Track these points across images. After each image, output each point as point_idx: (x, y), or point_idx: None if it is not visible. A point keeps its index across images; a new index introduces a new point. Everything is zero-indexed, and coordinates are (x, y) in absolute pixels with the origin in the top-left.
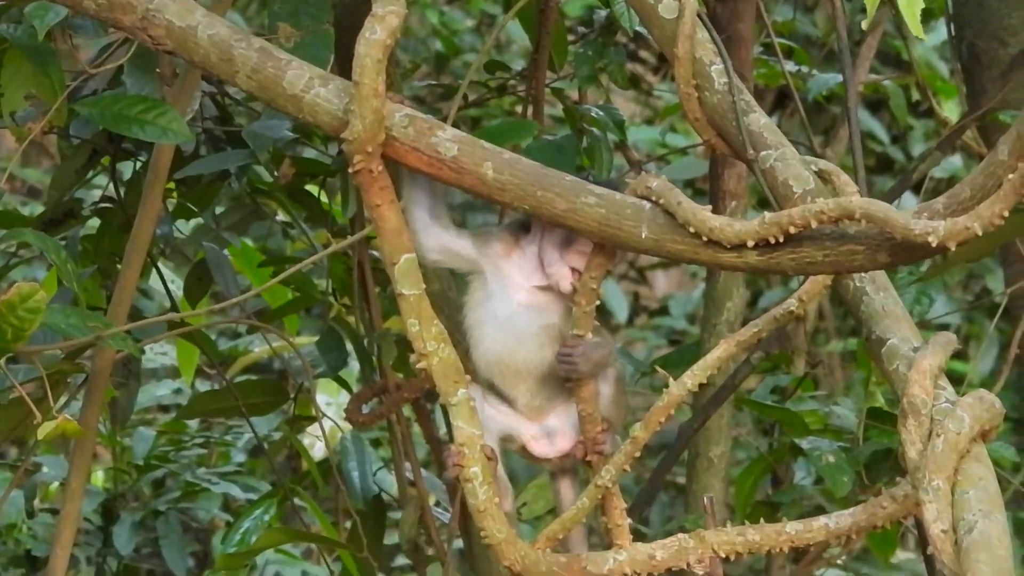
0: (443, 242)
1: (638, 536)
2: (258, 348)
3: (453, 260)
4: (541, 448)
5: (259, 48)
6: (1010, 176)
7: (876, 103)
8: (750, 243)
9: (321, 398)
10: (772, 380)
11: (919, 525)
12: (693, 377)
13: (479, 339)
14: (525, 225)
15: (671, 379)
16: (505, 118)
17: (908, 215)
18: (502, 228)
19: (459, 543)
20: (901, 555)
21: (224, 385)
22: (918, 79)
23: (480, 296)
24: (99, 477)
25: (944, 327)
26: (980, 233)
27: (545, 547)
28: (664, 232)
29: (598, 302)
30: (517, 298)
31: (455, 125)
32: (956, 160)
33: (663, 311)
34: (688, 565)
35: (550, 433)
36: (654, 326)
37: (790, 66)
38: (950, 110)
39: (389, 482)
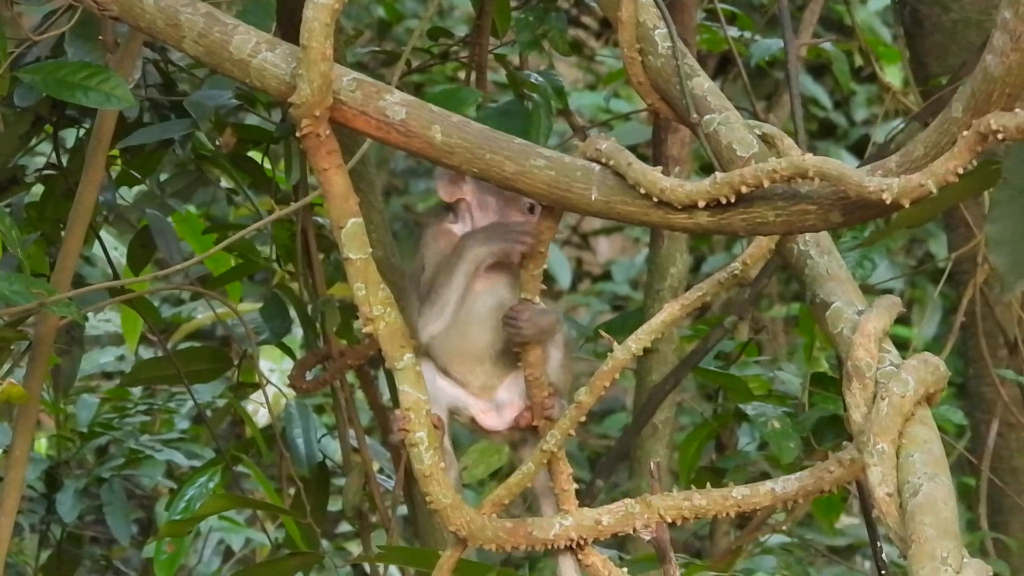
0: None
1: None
2: (201, 315)
3: None
4: (490, 421)
5: (205, 13)
6: (964, 133)
7: (819, 68)
8: (701, 203)
9: (265, 365)
10: (716, 346)
11: (861, 489)
12: (638, 341)
13: (443, 341)
14: (448, 209)
15: (615, 343)
16: (448, 84)
17: (862, 172)
18: (434, 224)
19: (403, 509)
20: (845, 520)
21: (166, 352)
22: (861, 44)
23: None
24: (42, 444)
25: (888, 292)
26: (934, 190)
27: (491, 512)
28: (614, 194)
29: (544, 266)
30: (474, 287)
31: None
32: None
33: (606, 277)
34: (635, 530)
35: (499, 405)
36: (597, 292)
37: (733, 31)
38: (893, 75)
39: (333, 448)
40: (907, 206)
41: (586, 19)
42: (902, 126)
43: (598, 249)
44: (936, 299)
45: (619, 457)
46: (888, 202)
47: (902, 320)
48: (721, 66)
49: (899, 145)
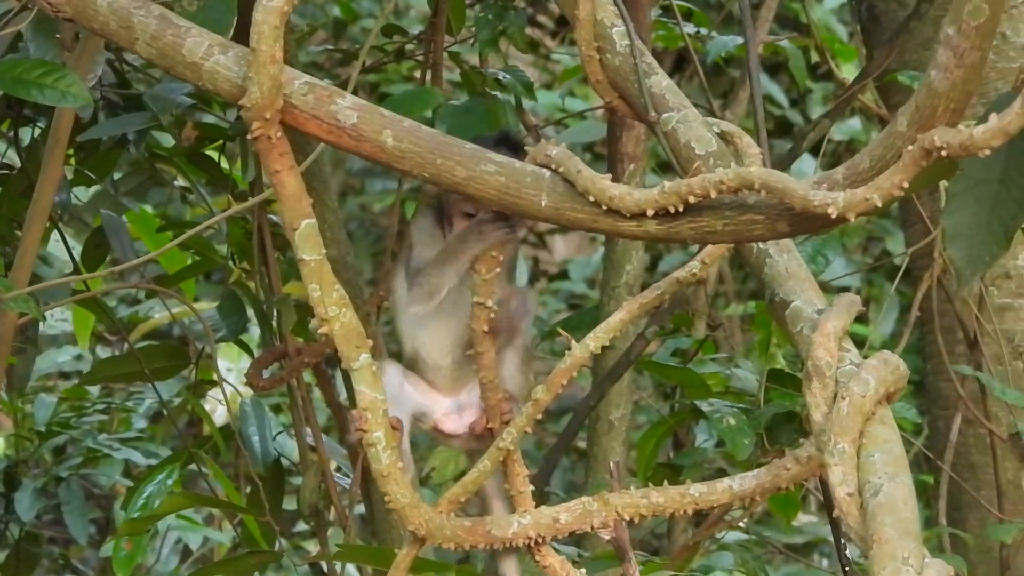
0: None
1: (542, 502)
2: (158, 315)
3: None
4: (451, 424)
5: (159, 15)
6: (909, 148)
7: (775, 66)
8: (650, 212)
9: (222, 363)
10: (673, 343)
11: (824, 488)
12: (595, 339)
13: (415, 328)
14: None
15: (573, 341)
16: (404, 83)
17: (807, 186)
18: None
19: (361, 508)
20: (803, 518)
21: (125, 350)
22: (817, 41)
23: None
24: (0, 444)
25: (845, 289)
26: (879, 204)
27: (447, 511)
28: (564, 201)
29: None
30: None
31: (353, 91)
32: (855, 123)
33: (563, 275)
34: (592, 528)
35: (460, 407)
36: (553, 290)
37: (689, 28)
38: (849, 72)
39: (291, 447)
40: (852, 220)
41: (542, 18)
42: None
43: (554, 248)
44: (893, 296)
45: (553, 465)
46: (833, 216)
47: (859, 318)
48: (677, 64)
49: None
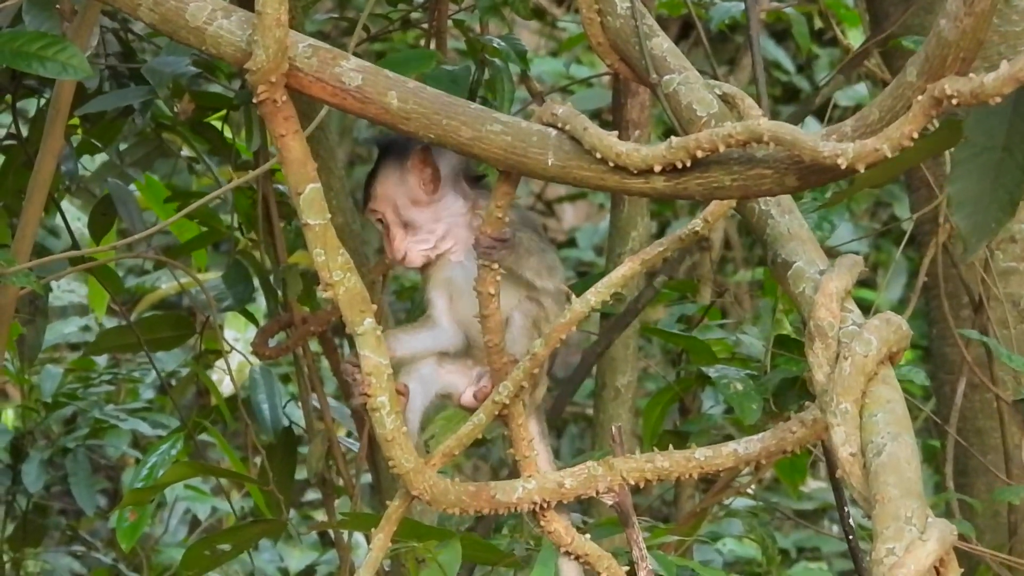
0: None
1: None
2: (166, 285)
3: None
4: (467, 397)
5: None
6: (919, 97)
7: (781, 32)
8: (657, 168)
9: (229, 333)
10: (679, 309)
11: (827, 450)
12: (596, 294)
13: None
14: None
15: (573, 296)
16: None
17: (816, 137)
18: None
19: (369, 477)
20: (813, 484)
21: (128, 321)
22: (821, 6)
23: (450, 274)
24: (9, 416)
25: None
26: (889, 155)
27: (440, 464)
28: (570, 159)
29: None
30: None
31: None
32: (861, 88)
33: (571, 243)
34: (597, 493)
35: (480, 377)
36: (562, 258)
37: None
38: (855, 38)
39: (300, 416)
40: (862, 171)
41: None
42: (827, 79)
43: (563, 216)
44: (901, 261)
45: (553, 419)
46: (843, 167)
47: (867, 283)
48: (683, 31)
49: (830, 93)
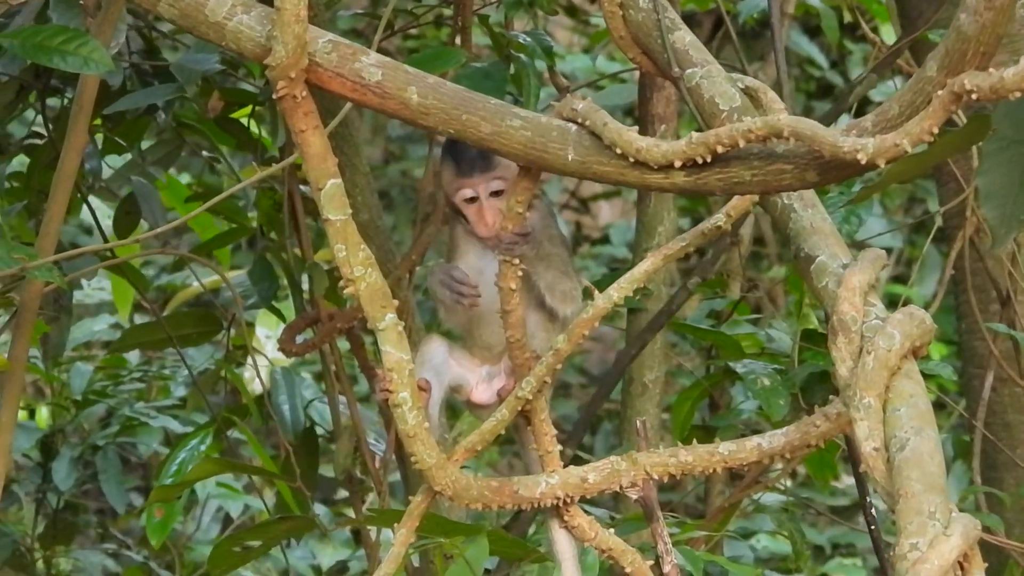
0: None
1: (582, 465)
2: (195, 283)
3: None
4: (480, 394)
5: None
6: (939, 92)
7: (814, 28)
8: (677, 163)
9: (260, 331)
10: (708, 304)
11: (850, 444)
12: (619, 290)
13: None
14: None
15: (596, 291)
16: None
17: (836, 133)
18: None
19: (397, 475)
20: (847, 480)
21: (156, 316)
22: (850, 1)
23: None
24: (43, 413)
25: (886, 251)
26: (909, 149)
27: (463, 459)
28: (590, 154)
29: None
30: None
31: (389, 57)
32: (894, 84)
33: (605, 240)
34: (621, 488)
35: (491, 376)
36: (595, 255)
37: None
38: (887, 33)
39: (327, 414)
40: (882, 166)
41: None
42: (860, 77)
43: (599, 213)
44: (934, 256)
45: (585, 425)
46: (863, 162)
47: (900, 278)
48: (716, 26)
49: (862, 92)
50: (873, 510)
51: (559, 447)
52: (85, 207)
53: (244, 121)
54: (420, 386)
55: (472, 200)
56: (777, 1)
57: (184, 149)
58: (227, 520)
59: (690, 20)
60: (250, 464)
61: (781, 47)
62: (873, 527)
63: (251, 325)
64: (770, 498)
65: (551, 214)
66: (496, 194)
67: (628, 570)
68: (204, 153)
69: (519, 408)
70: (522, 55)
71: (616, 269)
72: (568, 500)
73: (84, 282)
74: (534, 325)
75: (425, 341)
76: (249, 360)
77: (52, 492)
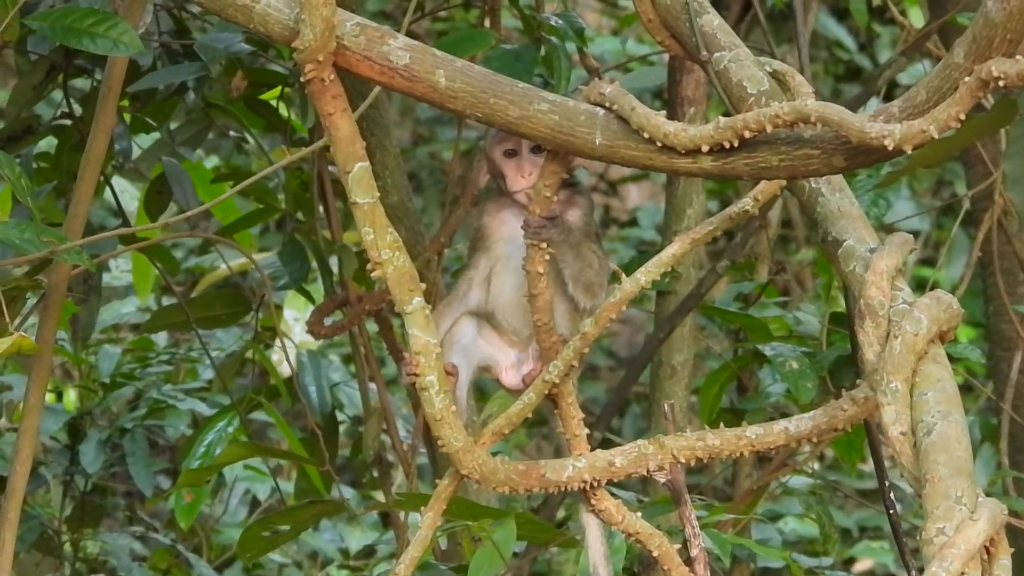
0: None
1: (610, 448)
2: (223, 265)
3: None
4: (509, 378)
5: None
6: (966, 79)
7: (843, 11)
8: (705, 148)
9: (289, 313)
10: (736, 287)
11: (869, 428)
12: (646, 274)
13: (497, 284)
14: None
15: (623, 275)
16: None
17: (864, 118)
18: (482, 202)
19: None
20: None
21: (186, 298)
22: None
23: (494, 253)
24: (71, 396)
25: (914, 234)
26: (936, 136)
27: (490, 443)
28: (618, 138)
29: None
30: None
31: (418, 40)
32: (924, 67)
33: (633, 223)
34: (648, 471)
35: (520, 361)
36: (623, 237)
37: None
38: (915, 16)
39: (356, 397)
40: (909, 152)
41: None
42: (889, 61)
43: (628, 196)
44: (961, 239)
45: (614, 408)
46: (890, 148)
47: (928, 261)
48: (745, 10)
49: (892, 75)
50: (894, 493)
51: (587, 430)
52: (120, 188)
53: (273, 103)
54: (447, 371)
55: (511, 154)
56: None
57: (212, 130)
58: (255, 502)
59: (718, 3)
60: (277, 446)
61: (804, 31)
62: (892, 511)
63: (279, 307)
64: (798, 481)
65: (591, 211)
66: (536, 150)
67: (656, 554)
68: (232, 133)
69: (546, 392)
70: (553, 37)
71: (644, 252)
72: (595, 484)
73: (112, 264)
74: (560, 315)
75: (455, 320)
76: (277, 342)
77: (80, 475)
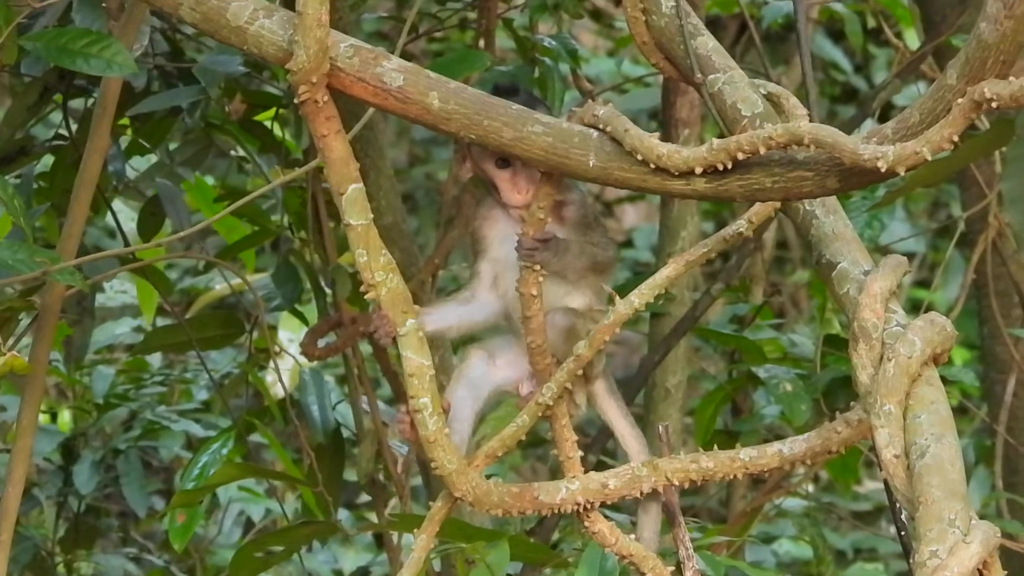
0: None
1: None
2: (220, 286)
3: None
4: (525, 389)
5: None
6: (959, 100)
7: (838, 32)
8: (698, 170)
9: (284, 334)
10: (731, 309)
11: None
12: (640, 295)
13: (503, 285)
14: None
15: (617, 297)
16: None
17: (857, 140)
18: (475, 207)
19: (419, 479)
20: (870, 485)
21: (178, 319)
22: (873, 6)
23: (492, 254)
24: (66, 417)
25: (909, 256)
26: (929, 157)
27: (484, 465)
28: (612, 160)
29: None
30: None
31: (414, 60)
32: (918, 89)
33: (628, 244)
34: (642, 494)
35: (532, 375)
36: (618, 258)
37: None
38: (911, 37)
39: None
40: (902, 173)
41: None
42: (884, 82)
43: (624, 217)
44: (956, 261)
45: (608, 429)
46: (883, 170)
47: (924, 283)
48: (741, 31)
49: (886, 98)
50: (904, 515)
51: (582, 453)
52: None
53: (268, 124)
54: (443, 407)
55: (505, 165)
56: (803, 5)
57: (211, 150)
58: (249, 524)
59: (714, 24)
60: (272, 468)
61: (806, 50)
62: (904, 532)
63: (274, 328)
64: (792, 503)
65: (584, 201)
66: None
67: None
68: (232, 153)
69: (540, 414)
70: (547, 58)
71: (640, 273)
72: (589, 506)
73: (106, 285)
74: (557, 331)
75: (464, 355)
76: (272, 363)
77: (73, 496)
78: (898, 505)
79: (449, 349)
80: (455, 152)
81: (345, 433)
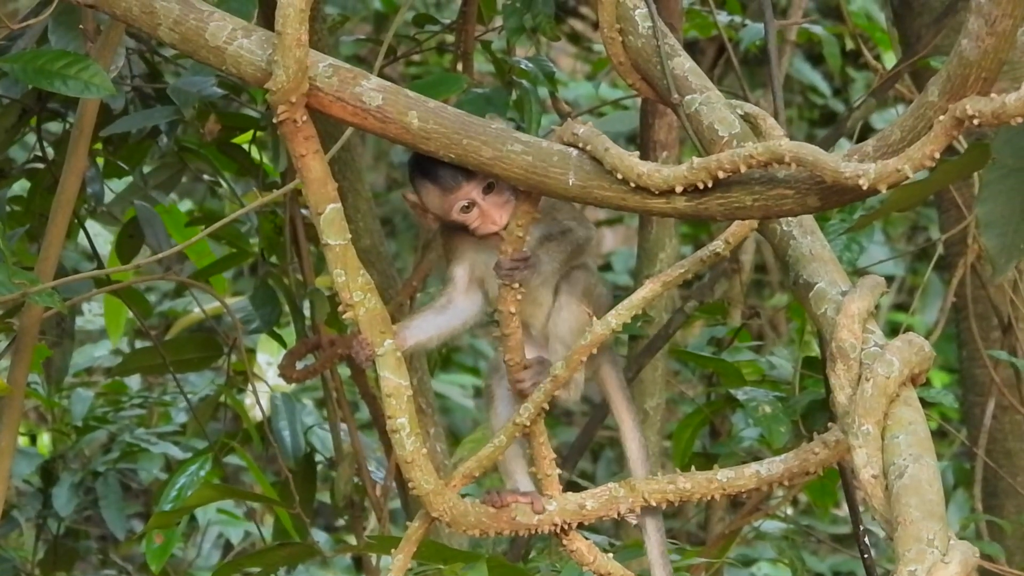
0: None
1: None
2: (196, 309)
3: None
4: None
5: (181, 0)
6: (940, 118)
7: (818, 56)
8: (678, 189)
9: (262, 357)
10: (709, 331)
11: (843, 471)
12: (617, 316)
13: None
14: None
15: (594, 318)
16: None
17: (838, 158)
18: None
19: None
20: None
21: (159, 342)
22: (851, 28)
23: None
24: (44, 440)
25: (888, 279)
26: (911, 175)
27: (460, 485)
28: (591, 179)
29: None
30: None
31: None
32: (895, 112)
33: (607, 267)
34: (619, 514)
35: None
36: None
37: (723, 17)
38: (890, 60)
39: (328, 440)
40: (884, 191)
41: (584, 9)
42: (859, 101)
43: (603, 240)
44: (935, 284)
45: (582, 447)
46: (864, 187)
47: (903, 306)
48: (719, 54)
49: (861, 117)
50: (868, 539)
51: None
52: (93, 232)
53: (245, 146)
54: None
55: (469, 208)
56: (773, 27)
57: (186, 174)
58: (227, 546)
59: (692, 47)
60: (250, 490)
61: (777, 74)
62: (867, 555)
63: (252, 351)
64: (771, 525)
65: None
66: (488, 189)
67: None
68: (205, 177)
69: (517, 434)
70: (524, 81)
71: (619, 296)
72: (566, 526)
73: (85, 308)
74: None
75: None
76: (250, 386)
77: (53, 518)
78: (862, 528)
79: (427, 371)
80: (412, 207)
81: (323, 456)
